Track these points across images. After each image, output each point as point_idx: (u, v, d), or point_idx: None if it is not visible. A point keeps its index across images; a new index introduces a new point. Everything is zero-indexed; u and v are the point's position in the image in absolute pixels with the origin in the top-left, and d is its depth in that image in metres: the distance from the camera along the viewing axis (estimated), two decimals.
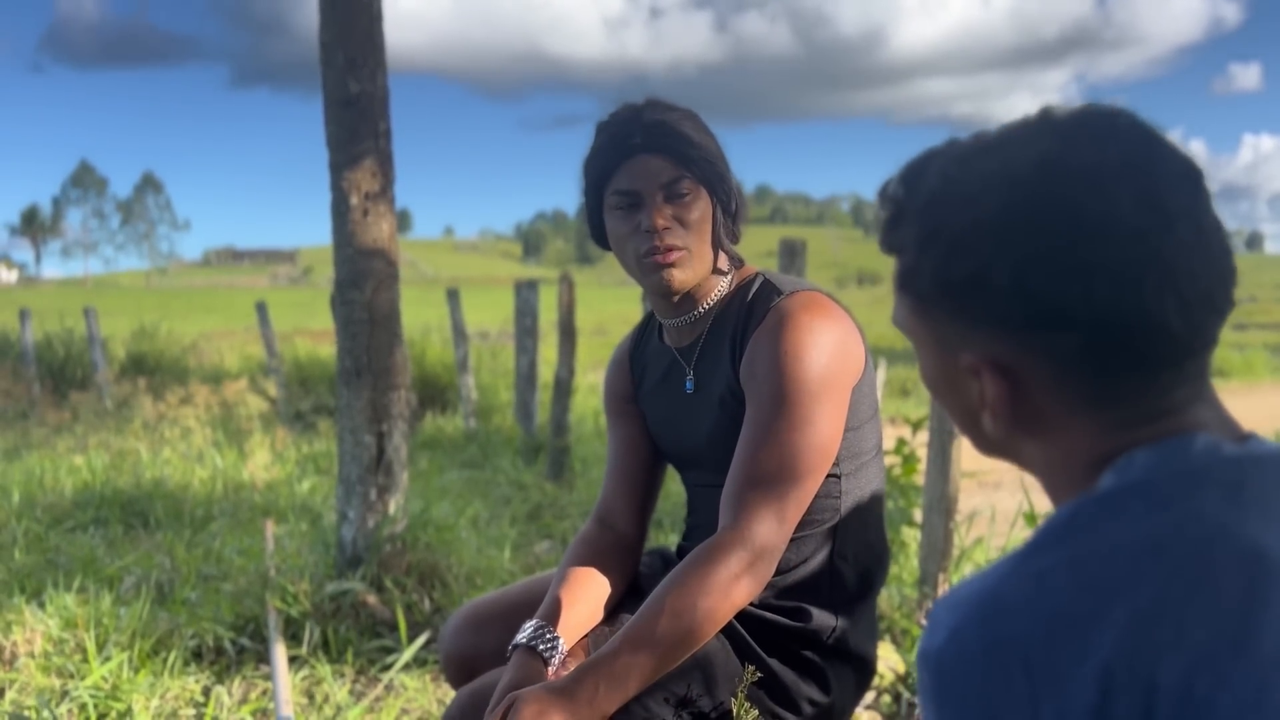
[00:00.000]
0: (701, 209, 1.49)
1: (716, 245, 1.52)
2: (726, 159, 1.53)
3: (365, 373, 3.33)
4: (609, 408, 1.75)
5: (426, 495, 4.68)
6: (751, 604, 1.48)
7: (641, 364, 1.70)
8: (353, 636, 3.13)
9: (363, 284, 3.30)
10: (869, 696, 2.65)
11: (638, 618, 1.33)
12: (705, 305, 1.56)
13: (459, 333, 8.39)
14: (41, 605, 3.29)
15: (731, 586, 1.34)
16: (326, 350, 10.25)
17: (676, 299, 1.54)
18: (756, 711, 1.41)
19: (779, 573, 1.49)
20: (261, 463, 6.16)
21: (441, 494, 5.04)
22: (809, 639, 1.52)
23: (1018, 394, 0.71)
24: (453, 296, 8.61)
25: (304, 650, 3.04)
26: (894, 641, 2.93)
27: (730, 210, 1.53)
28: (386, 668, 3.00)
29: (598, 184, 1.52)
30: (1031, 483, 2.91)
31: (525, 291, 6.98)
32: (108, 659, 2.87)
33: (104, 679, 2.77)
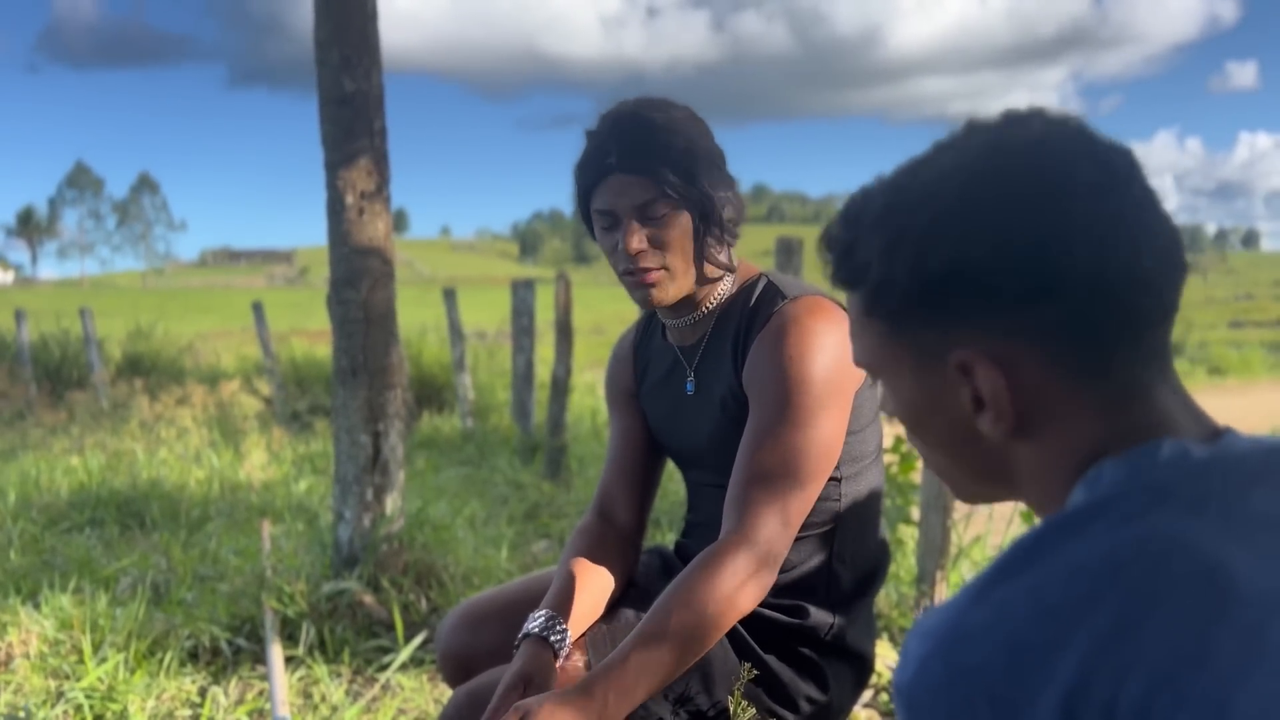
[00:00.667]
0: (679, 228, 1.45)
1: (700, 259, 1.49)
2: (720, 161, 1.49)
3: (361, 372, 3.32)
4: (610, 399, 1.74)
5: (423, 495, 4.68)
6: None
7: (645, 360, 1.70)
8: (349, 636, 3.12)
9: (358, 283, 3.29)
10: (867, 694, 2.65)
11: (646, 624, 1.32)
12: (707, 307, 1.55)
13: (456, 332, 8.39)
14: (37, 606, 3.28)
15: (738, 591, 1.33)
16: (323, 350, 10.26)
17: (680, 303, 1.53)
18: (754, 709, 1.41)
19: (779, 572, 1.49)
20: (258, 463, 6.15)
21: (438, 493, 5.04)
22: (807, 636, 1.52)
23: (1014, 382, 0.70)
24: (449, 296, 8.60)
25: (300, 650, 3.03)
26: (892, 640, 2.93)
27: (715, 222, 1.47)
28: (383, 668, 2.99)
29: (583, 197, 1.51)
30: None
31: (522, 291, 6.98)
32: (104, 660, 2.86)
33: (100, 680, 2.77)
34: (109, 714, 2.67)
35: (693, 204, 1.44)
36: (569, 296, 5.99)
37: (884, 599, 3.08)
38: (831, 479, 1.49)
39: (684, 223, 1.45)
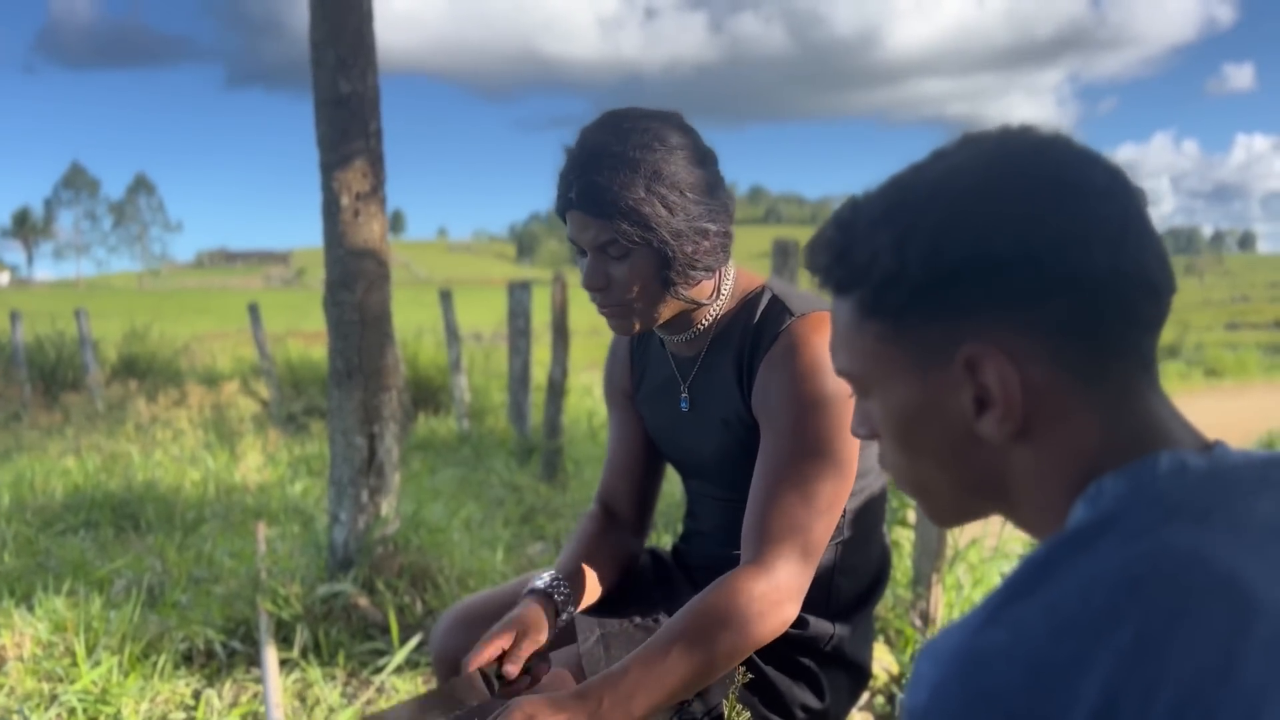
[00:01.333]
0: (637, 269, 1.39)
1: (664, 296, 1.42)
2: (700, 188, 1.39)
3: (357, 374, 3.31)
4: (609, 396, 1.72)
5: (419, 497, 4.67)
6: None
7: (642, 363, 1.67)
8: (344, 639, 3.11)
9: (354, 285, 3.28)
10: (862, 698, 2.64)
11: (653, 645, 1.30)
12: (703, 324, 1.51)
13: (452, 334, 8.38)
14: (31, 608, 3.27)
15: (750, 627, 1.31)
16: (319, 352, 10.23)
17: (668, 325, 1.50)
18: (749, 713, 1.40)
19: None
20: (253, 465, 6.14)
21: (434, 496, 5.02)
22: (805, 646, 1.51)
23: (1023, 378, 0.69)
24: (445, 298, 8.60)
25: (295, 653, 3.02)
26: (887, 642, 2.93)
27: (677, 268, 1.39)
28: (378, 670, 2.98)
29: (563, 221, 1.48)
30: None
31: (519, 292, 6.97)
32: (97, 663, 2.85)
33: (94, 683, 2.76)
34: (103, 717, 2.66)
35: (651, 249, 1.38)
36: (565, 298, 5.98)
37: (879, 602, 3.08)
38: None
39: (643, 264, 1.39)
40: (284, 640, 3.11)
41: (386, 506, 3.38)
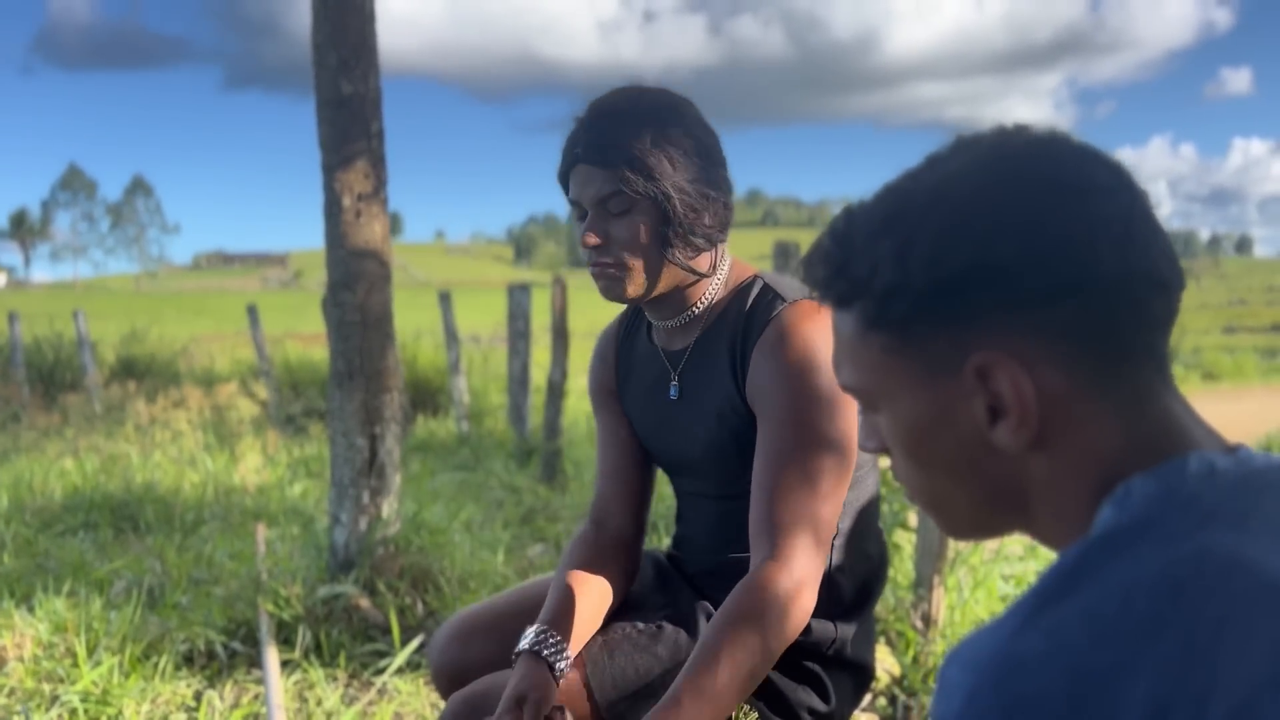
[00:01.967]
0: (638, 225, 1.40)
1: (663, 258, 1.42)
2: (707, 155, 1.41)
3: (358, 375, 3.31)
4: (594, 400, 1.69)
5: (419, 498, 4.66)
6: None
7: (627, 361, 1.64)
8: (345, 640, 3.11)
9: (355, 285, 3.28)
10: (865, 699, 2.64)
11: (694, 668, 1.27)
12: (696, 308, 1.50)
13: (451, 336, 8.38)
14: (31, 609, 3.27)
15: (784, 622, 1.30)
16: (317, 354, 10.23)
17: (660, 303, 1.49)
18: (755, 716, 1.40)
19: None
20: (253, 466, 6.13)
21: (434, 497, 5.02)
22: (809, 649, 1.50)
23: (1037, 384, 0.67)
24: (444, 300, 8.60)
25: (296, 654, 3.02)
26: (889, 644, 2.93)
27: (677, 224, 1.40)
28: (379, 671, 2.98)
29: (563, 187, 1.48)
30: None
31: (517, 294, 6.98)
32: (98, 663, 2.85)
33: (94, 683, 2.75)
34: (103, 718, 2.66)
35: (654, 202, 1.39)
36: (564, 300, 5.99)
37: (881, 604, 3.08)
38: None
39: (643, 219, 1.40)
40: (285, 641, 3.10)
41: (387, 508, 3.38)
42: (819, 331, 1.39)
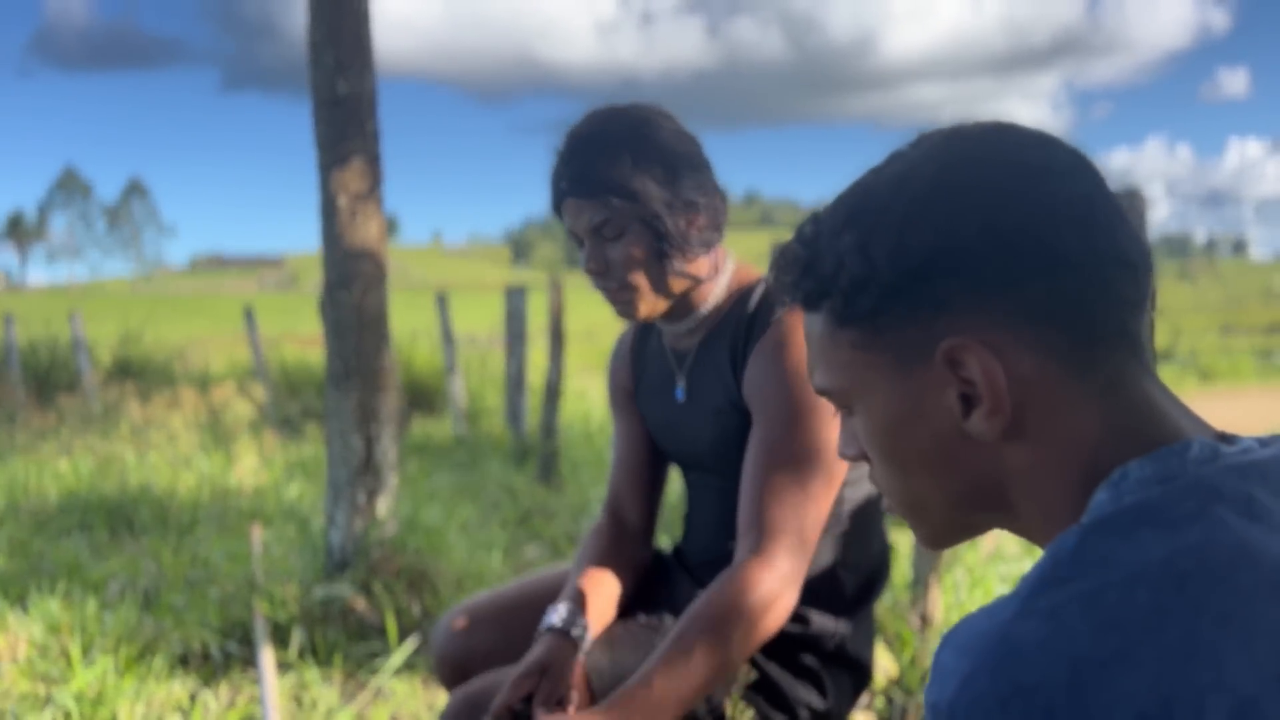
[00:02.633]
0: (634, 247, 1.43)
1: (664, 272, 1.45)
2: (687, 164, 1.43)
3: (354, 375, 3.31)
4: (612, 399, 1.75)
5: (415, 499, 4.66)
6: None
7: (642, 362, 1.69)
8: (341, 641, 3.10)
9: (351, 285, 3.28)
10: (863, 699, 2.64)
11: (672, 650, 1.31)
12: (701, 311, 1.53)
13: (448, 337, 8.38)
14: (25, 610, 3.25)
15: (763, 614, 1.33)
16: (314, 355, 10.22)
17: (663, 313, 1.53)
18: (752, 710, 1.40)
19: None
20: (249, 467, 6.13)
21: (430, 498, 5.01)
22: (809, 645, 1.51)
23: (1008, 370, 0.66)
24: (442, 302, 8.59)
25: (292, 655, 3.01)
26: (886, 644, 2.92)
27: (671, 239, 1.42)
28: (375, 672, 2.97)
29: (559, 217, 1.50)
30: None
31: (514, 296, 6.97)
32: (92, 664, 2.84)
33: (89, 685, 2.74)
34: (98, 719, 2.65)
35: (643, 222, 1.42)
36: (561, 302, 5.98)
37: (878, 603, 3.07)
38: None
39: (638, 241, 1.43)
40: (280, 642, 3.10)
41: (383, 508, 3.37)
42: None
